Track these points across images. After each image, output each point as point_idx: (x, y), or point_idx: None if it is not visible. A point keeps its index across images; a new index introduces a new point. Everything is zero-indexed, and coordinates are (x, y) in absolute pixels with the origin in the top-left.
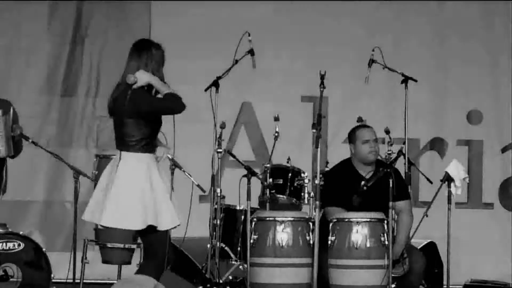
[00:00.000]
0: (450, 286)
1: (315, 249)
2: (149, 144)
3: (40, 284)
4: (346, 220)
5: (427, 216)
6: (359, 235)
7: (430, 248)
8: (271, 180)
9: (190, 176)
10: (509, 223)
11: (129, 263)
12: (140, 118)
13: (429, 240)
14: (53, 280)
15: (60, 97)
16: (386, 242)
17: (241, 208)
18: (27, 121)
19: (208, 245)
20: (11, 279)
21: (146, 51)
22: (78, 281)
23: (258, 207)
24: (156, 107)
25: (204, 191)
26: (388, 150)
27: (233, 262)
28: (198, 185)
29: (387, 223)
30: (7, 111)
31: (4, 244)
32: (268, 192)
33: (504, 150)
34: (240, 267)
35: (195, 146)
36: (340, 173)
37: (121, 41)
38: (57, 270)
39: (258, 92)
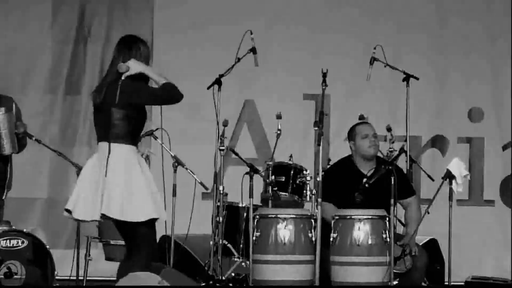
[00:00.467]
0: (452, 283)
1: (317, 246)
2: (136, 137)
3: (43, 281)
4: (348, 217)
5: (428, 213)
6: (361, 232)
7: (432, 245)
8: (273, 177)
9: (193, 173)
10: (510, 220)
11: None
12: (130, 110)
13: (430, 237)
14: (56, 277)
15: (63, 96)
16: (388, 239)
17: (243, 205)
18: (31, 119)
19: (211, 242)
20: (15, 276)
21: (136, 46)
22: (82, 278)
23: (261, 204)
24: (152, 98)
25: (206, 189)
26: (390, 148)
27: (236, 259)
28: (200, 183)
29: (389, 220)
30: (10, 109)
31: (8, 241)
32: (270, 190)
33: (505, 147)
34: (243, 264)
35: (198, 143)
36: (341, 171)
37: None
38: (61, 267)
39: (260, 90)
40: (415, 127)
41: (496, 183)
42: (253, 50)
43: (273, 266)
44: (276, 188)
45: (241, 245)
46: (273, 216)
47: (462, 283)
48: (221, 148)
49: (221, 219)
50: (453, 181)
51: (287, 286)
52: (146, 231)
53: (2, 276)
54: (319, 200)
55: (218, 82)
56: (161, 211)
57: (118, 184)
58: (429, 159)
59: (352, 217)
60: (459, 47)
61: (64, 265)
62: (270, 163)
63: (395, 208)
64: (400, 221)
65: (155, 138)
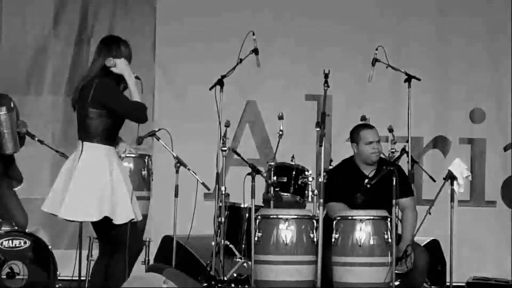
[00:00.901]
0: (453, 283)
1: (319, 246)
2: (111, 137)
3: (45, 281)
4: (350, 218)
5: (430, 214)
6: (363, 232)
7: (433, 246)
8: (275, 178)
9: (195, 174)
10: (511, 221)
11: None
12: (103, 109)
13: (432, 238)
14: (58, 278)
15: (65, 96)
16: (390, 240)
17: (245, 206)
18: (33, 119)
19: (213, 243)
20: (17, 277)
21: (116, 47)
22: (84, 278)
23: (263, 205)
24: (122, 107)
25: (208, 189)
26: (392, 149)
27: (238, 260)
28: (202, 183)
29: (391, 221)
30: (11, 108)
31: (10, 241)
32: (272, 190)
33: (506, 148)
34: (245, 264)
35: (200, 144)
36: (344, 171)
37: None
38: (63, 267)
39: (262, 90)
40: (416, 128)
41: (497, 184)
42: (255, 51)
43: (275, 266)
44: (278, 189)
45: (243, 246)
46: (275, 216)
47: (464, 284)
48: (223, 148)
49: (223, 219)
50: (455, 182)
51: (289, 287)
52: (125, 231)
53: (5, 277)
54: (321, 201)
55: (220, 83)
56: (120, 213)
57: (82, 184)
58: (431, 160)
59: (354, 217)
60: (461, 49)
61: (66, 266)
62: (272, 163)
63: (397, 209)
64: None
65: (157, 138)
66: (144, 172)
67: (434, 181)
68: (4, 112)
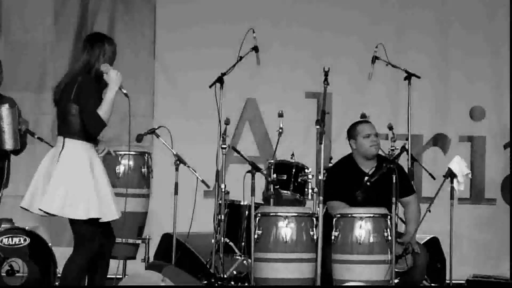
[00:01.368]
0: (453, 281)
1: (318, 244)
2: (92, 135)
3: (45, 279)
4: (350, 215)
5: (429, 211)
6: (363, 230)
7: (433, 244)
8: (275, 175)
9: (195, 171)
10: (509, 218)
11: (133, 258)
12: None
13: (431, 236)
14: (58, 275)
15: None
16: (389, 237)
17: (245, 203)
18: (32, 117)
19: (213, 240)
20: (17, 274)
21: (99, 45)
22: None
23: (262, 202)
24: (85, 110)
25: (208, 187)
26: (391, 146)
27: (237, 257)
28: (202, 181)
29: (390, 219)
30: (13, 104)
31: (10, 239)
32: (272, 188)
33: (506, 146)
34: (244, 262)
35: (200, 142)
36: (343, 169)
37: (126, 38)
38: (63, 265)
39: (262, 88)
40: (416, 125)
41: (497, 181)
42: (255, 49)
43: (274, 264)
44: (278, 186)
45: (242, 243)
46: (275, 214)
47: (463, 282)
48: (223, 146)
49: (222, 217)
50: (455, 180)
51: (288, 285)
52: (87, 229)
53: (4, 274)
54: (321, 198)
55: (220, 80)
56: (105, 211)
57: (63, 180)
58: (431, 157)
59: (354, 215)
60: (460, 46)
61: None
62: (272, 161)
63: (396, 206)
64: (401, 219)
65: (157, 136)
66: (144, 170)
67: (434, 178)
68: (6, 108)
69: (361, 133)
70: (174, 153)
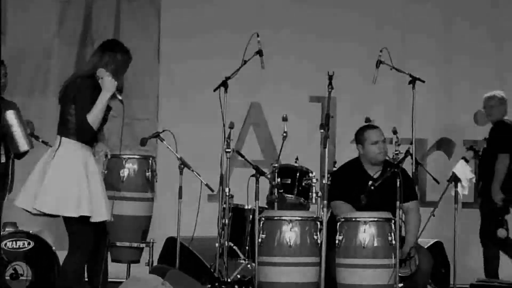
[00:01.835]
0: (457, 286)
1: (322, 248)
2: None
3: (49, 282)
4: (354, 219)
5: (433, 216)
6: (367, 234)
7: (437, 248)
8: (279, 179)
9: (199, 175)
10: None
11: (137, 261)
12: None
13: (436, 240)
14: None
15: None
16: (394, 242)
17: (249, 207)
18: (37, 121)
19: (217, 244)
20: (21, 278)
21: (110, 53)
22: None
23: (266, 206)
24: (77, 112)
25: (212, 191)
26: (396, 150)
27: (241, 261)
28: (206, 185)
29: (395, 223)
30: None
31: (14, 242)
32: (276, 192)
33: None
34: (248, 266)
35: (204, 146)
36: (349, 172)
37: (131, 42)
38: None
39: (266, 92)
40: (421, 130)
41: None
42: (259, 53)
43: (278, 268)
44: (282, 190)
45: (246, 247)
46: (279, 218)
47: (467, 286)
48: (227, 150)
49: (227, 221)
50: (459, 184)
51: None
52: (80, 228)
53: (8, 278)
54: (325, 202)
55: (224, 84)
56: (95, 211)
57: (56, 178)
58: (435, 162)
59: (358, 219)
60: (464, 50)
61: None
62: (276, 165)
63: (400, 211)
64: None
65: (161, 140)
66: (148, 174)
67: (438, 183)
68: (12, 112)
69: (369, 139)
70: (178, 157)
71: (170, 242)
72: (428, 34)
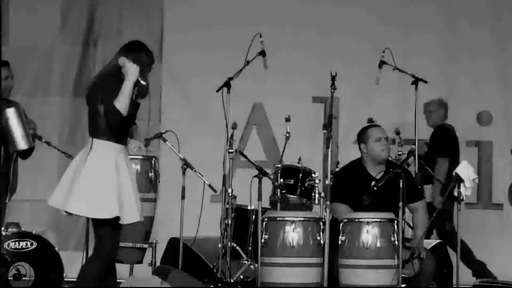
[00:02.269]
0: (460, 286)
1: (325, 249)
2: (120, 135)
3: (52, 283)
4: (357, 220)
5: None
6: (370, 235)
7: (440, 249)
8: (282, 180)
9: (202, 176)
10: None
11: (140, 262)
12: None
13: (438, 241)
14: (65, 279)
15: (72, 98)
16: (396, 242)
17: (252, 208)
18: (40, 121)
19: (219, 245)
20: (23, 278)
21: (135, 52)
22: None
23: (269, 207)
24: (105, 102)
25: (215, 191)
26: (399, 151)
27: (244, 262)
28: (209, 185)
29: (397, 224)
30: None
31: (17, 243)
32: (279, 192)
33: None
34: (251, 266)
35: (207, 146)
36: (351, 173)
37: None
38: (70, 269)
39: (269, 92)
40: (423, 130)
41: (504, 186)
42: (262, 53)
43: (281, 268)
44: (284, 191)
45: (249, 248)
46: (282, 218)
47: (470, 287)
48: (230, 150)
49: (229, 221)
50: (462, 185)
51: None
52: (110, 231)
53: (11, 278)
54: (328, 203)
55: (227, 84)
56: (125, 213)
57: (89, 181)
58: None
59: (361, 220)
60: (467, 51)
61: (72, 267)
62: (279, 165)
63: (404, 211)
64: (408, 224)
65: (164, 140)
66: (151, 174)
67: (441, 183)
68: (12, 109)
69: (372, 136)
70: (181, 157)
71: (173, 242)
72: (431, 33)
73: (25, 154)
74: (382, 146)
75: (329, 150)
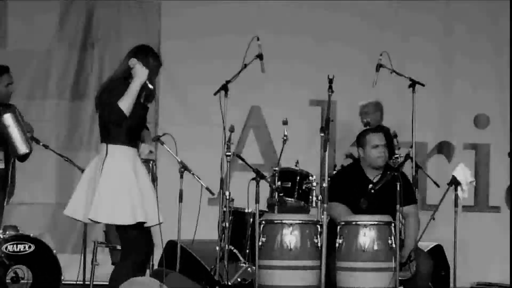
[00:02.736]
0: None
1: (322, 251)
2: (133, 138)
3: (50, 285)
4: (354, 223)
5: (433, 219)
6: (367, 237)
7: (437, 251)
8: (279, 183)
9: (199, 179)
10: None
11: None
12: None
13: (436, 243)
14: (63, 282)
15: (70, 101)
16: (394, 245)
17: (249, 211)
18: (37, 124)
19: (217, 248)
20: (21, 281)
21: (142, 56)
22: (88, 283)
23: (267, 210)
24: (108, 100)
25: (213, 194)
26: (396, 154)
27: (242, 265)
28: (207, 188)
29: (395, 226)
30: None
31: (15, 246)
32: (276, 195)
33: (510, 154)
34: (249, 269)
35: (204, 149)
36: (349, 174)
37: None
38: (67, 272)
39: (266, 96)
40: (421, 133)
41: (501, 189)
42: (259, 56)
43: (278, 271)
44: (282, 194)
45: (247, 251)
46: (279, 221)
47: None
48: (227, 153)
49: (227, 224)
50: (459, 187)
51: None
52: (135, 235)
53: (9, 281)
54: (325, 206)
55: (224, 88)
56: (149, 216)
57: (109, 188)
58: (435, 165)
59: (358, 223)
60: (465, 54)
61: (70, 270)
62: (276, 168)
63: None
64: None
65: (162, 143)
66: (149, 177)
67: (438, 186)
68: (9, 115)
69: (370, 143)
70: (179, 160)
71: (171, 245)
72: (428, 37)
73: (23, 157)
74: (378, 153)
75: (326, 153)
